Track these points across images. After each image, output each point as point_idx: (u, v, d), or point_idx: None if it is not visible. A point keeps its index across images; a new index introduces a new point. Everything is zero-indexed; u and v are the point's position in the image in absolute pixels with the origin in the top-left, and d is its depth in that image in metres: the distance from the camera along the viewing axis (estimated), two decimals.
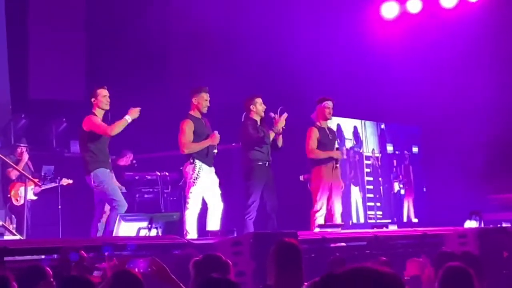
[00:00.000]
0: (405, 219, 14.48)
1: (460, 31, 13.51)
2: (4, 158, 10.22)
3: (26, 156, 11.02)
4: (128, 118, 8.36)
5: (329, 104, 9.73)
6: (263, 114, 9.38)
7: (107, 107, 8.54)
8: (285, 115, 9.25)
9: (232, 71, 12.80)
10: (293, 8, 13.23)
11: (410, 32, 13.86)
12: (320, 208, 9.49)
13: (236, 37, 13.04)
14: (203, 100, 8.92)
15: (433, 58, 13.81)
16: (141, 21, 13.15)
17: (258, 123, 9.37)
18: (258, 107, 9.34)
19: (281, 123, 9.24)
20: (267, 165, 9.33)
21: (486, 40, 13.68)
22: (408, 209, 14.67)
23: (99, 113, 8.52)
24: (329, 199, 9.59)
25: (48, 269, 4.78)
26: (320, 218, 9.44)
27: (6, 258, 6.03)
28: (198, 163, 8.80)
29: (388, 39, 13.79)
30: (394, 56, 13.62)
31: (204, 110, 8.98)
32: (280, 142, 9.45)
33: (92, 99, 8.54)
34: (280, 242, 4.86)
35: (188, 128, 8.83)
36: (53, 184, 10.91)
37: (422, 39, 13.87)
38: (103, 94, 8.53)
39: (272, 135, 9.37)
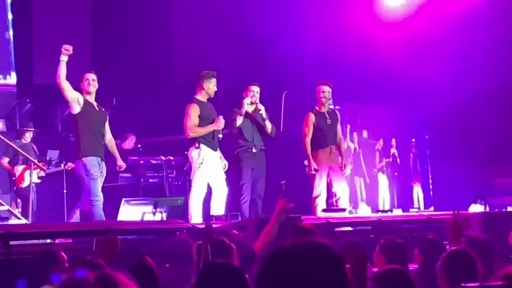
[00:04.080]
0: (416, 205, 14.48)
1: (467, 17, 13.42)
2: (10, 142, 10.24)
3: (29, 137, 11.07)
4: (64, 58, 8.13)
5: (325, 88, 9.57)
6: (248, 102, 9.32)
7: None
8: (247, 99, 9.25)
9: (237, 55, 12.77)
10: None
11: (416, 20, 13.76)
12: (320, 193, 9.41)
13: (242, 23, 12.98)
14: (212, 85, 8.93)
15: (440, 44, 13.73)
16: (147, 6, 13.12)
17: (245, 110, 9.32)
18: (248, 93, 9.36)
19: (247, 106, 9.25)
20: (253, 150, 9.34)
21: (493, 26, 13.58)
22: (417, 196, 14.65)
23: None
24: (330, 183, 9.56)
25: (63, 253, 4.78)
26: (321, 203, 9.39)
27: (11, 242, 6.05)
28: (203, 147, 8.81)
29: (394, 27, 13.70)
30: (401, 44, 13.53)
31: (212, 95, 9.00)
32: (268, 129, 9.43)
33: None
34: (297, 226, 4.85)
35: (194, 112, 8.83)
36: (57, 168, 10.92)
37: (429, 26, 13.77)
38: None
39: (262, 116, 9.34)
